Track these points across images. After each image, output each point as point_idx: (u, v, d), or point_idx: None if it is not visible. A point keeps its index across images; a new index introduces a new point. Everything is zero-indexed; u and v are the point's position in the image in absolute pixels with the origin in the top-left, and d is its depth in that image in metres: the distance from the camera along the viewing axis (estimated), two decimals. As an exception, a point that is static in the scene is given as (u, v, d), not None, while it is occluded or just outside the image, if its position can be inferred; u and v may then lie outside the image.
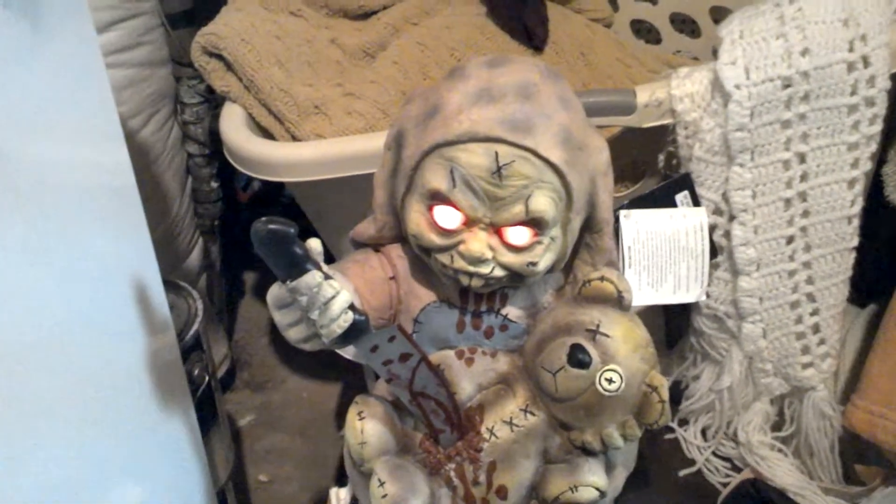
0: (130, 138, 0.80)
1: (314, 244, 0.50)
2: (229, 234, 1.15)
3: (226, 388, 1.09)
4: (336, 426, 1.04)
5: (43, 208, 0.55)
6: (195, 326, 0.79)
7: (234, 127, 0.77)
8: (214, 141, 1.02)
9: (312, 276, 0.48)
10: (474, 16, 0.89)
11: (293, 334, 0.53)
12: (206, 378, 0.80)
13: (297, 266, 0.48)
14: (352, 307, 0.50)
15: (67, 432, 0.59)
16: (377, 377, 0.61)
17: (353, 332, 0.51)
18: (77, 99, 0.58)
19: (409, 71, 0.82)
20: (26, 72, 0.52)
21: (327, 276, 0.49)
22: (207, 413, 0.80)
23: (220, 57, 0.81)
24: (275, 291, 0.52)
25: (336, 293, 0.49)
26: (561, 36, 0.89)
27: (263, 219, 0.47)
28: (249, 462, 1.00)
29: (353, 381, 1.06)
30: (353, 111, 0.78)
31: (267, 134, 0.80)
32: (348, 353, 0.83)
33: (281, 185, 1.26)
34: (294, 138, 0.79)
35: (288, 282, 0.49)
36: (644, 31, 1.08)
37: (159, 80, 0.95)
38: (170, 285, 0.78)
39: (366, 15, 0.91)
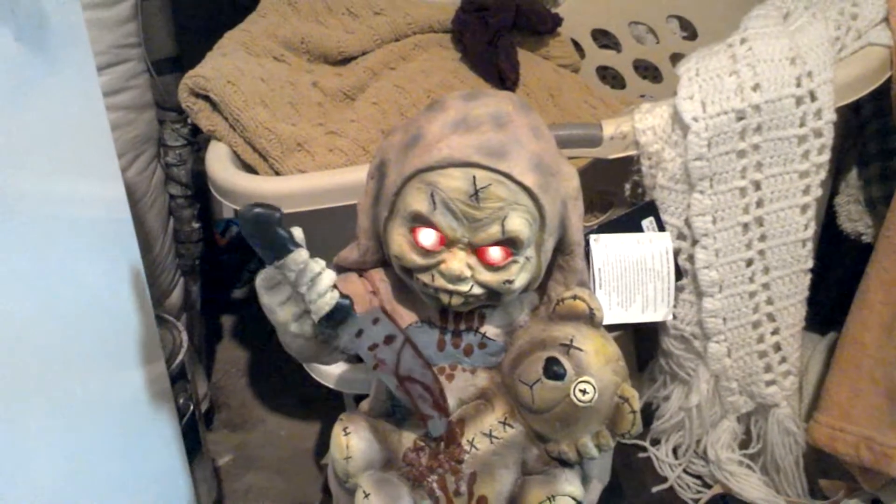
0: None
1: (297, 232, 0.53)
2: (208, 278, 1.17)
3: (205, 429, 1.09)
4: (315, 464, 1.04)
5: (41, 239, 0.57)
6: (180, 357, 0.80)
7: (220, 163, 0.80)
8: (196, 182, 1.04)
9: (299, 253, 0.52)
10: (449, 60, 0.94)
11: (282, 315, 0.55)
12: (191, 407, 0.81)
13: (284, 246, 0.51)
14: (337, 289, 0.54)
15: (61, 459, 0.60)
16: (357, 403, 0.64)
17: (339, 313, 0.54)
18: (78, 132, 0.61)
19: (388, 111, 0.86)
20: (33, 103, 0.54)
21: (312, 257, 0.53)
22: (192, 442, 0.81)
23: (206, 98, 0.84)
24: (263, 273, 0.54)
25: (322, 269, 0.53)
26: (531, 79, 0.94)
27: (250, 203, 0.51)
28: (229, 501, 1.00)
29: (333, 419, 1.08)
30: (334, 148, 0.81)
31: (251, 170, 0.83)
32: (329, 381, 0.86)
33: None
34: (277, 174, 0.81)
35: (276, 261, 0.52)
36: (609, 76, 1.14)
37: (144, 124, 0.98)
38: (156, 318, 0.80)
39: (345, 60, 0.95)
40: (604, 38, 1.11)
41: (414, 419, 0.59)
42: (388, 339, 0.57)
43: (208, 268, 1.16)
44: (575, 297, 0.59)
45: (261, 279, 0.55)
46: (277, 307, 0.55)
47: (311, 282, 0.53)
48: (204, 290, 1.15)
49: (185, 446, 0.78)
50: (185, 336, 0.83)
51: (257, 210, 0.50)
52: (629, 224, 0.72)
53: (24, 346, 0.54)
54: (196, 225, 1.08)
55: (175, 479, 0.75)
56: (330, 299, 0.54)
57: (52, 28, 0.54)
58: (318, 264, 0.53)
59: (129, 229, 0.67)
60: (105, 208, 0.65)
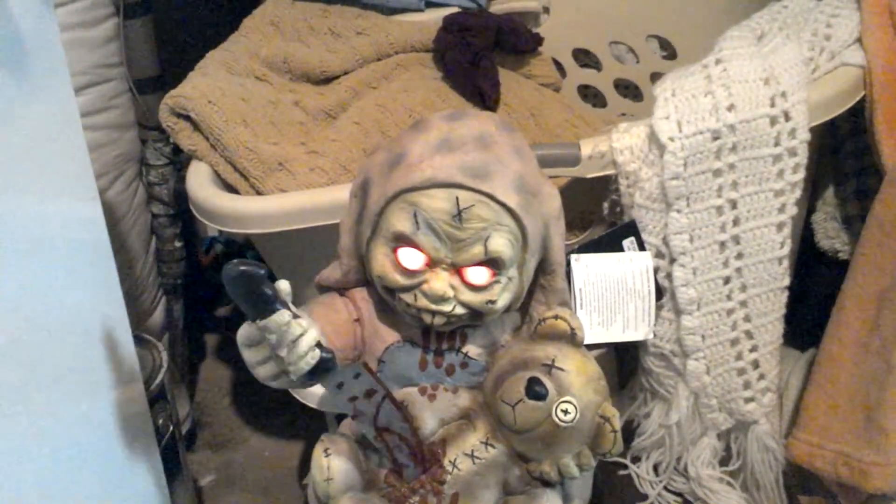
0: (97, 198, 0.82)
1: (283, 285, 0.52)
2: (191, 297, 1.16)
3: (187, 449, 1.08)
4: (299, 485, 1.03)
5: (17, 259, 0.56)
6: (160, 377, 0.80)
7: (201, 183, 0.80)
8: (179, 201, 1.04)
9: (281, 315, 0.51)
10: (430, 79, 0.95)
11: (262, 372, 0.55)
12: (171, 428, 0.81)
13: (267, 305, 0.51)
14: (319, 345, 0.53)
15: (36, 480, 0.59)
16: (339, 423, 0.64)
17: (320, 370, 0.53)
18: (55, 153, 0.60)
19: (369, 130, 0.86)
20: (9, 124, 0.54)
21: (296, 316, 0.52)
22: (172, 463, 0.81)
23: (187, 118, 0.84)
24: (244, 330, 0.54)
25: (304, 331, 0.52)
26: (512, 98, 0.95)
27: (235, 260, 0.50)
28: (211, 522, 0.99)
29: (317, 440, 1.07)
30: (315, 167, 0.81)
31: (232, 190, 0.82)
32: (312, 401, 0.85)
33: (242, 246, 1.29)
34: (258, 194, 0.81)
35: (258, 321, 0.51)
36: (591, 95, 1.15)
37: (126, 143, 0.98)
38: (135, 338, 0.79)
39: (327, 80, 0.95)
40: (585, 58, 1.13)
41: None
42: (369, 393, 0.56)
43: (192, 286, 1.15)
44: (556, 317, 0.59)
45: (241, 335, 0.54)
46: (256, 365, 0.55)
47: (292, 344, 0.52)
48: (187, 309, 1.15)
49: (165, 467, 0.77)
50: (165, 356, 0.82)
51: (243, 267, 0.49)
52: (610, 244, 0.72)
53: None
54: (178, 244, 1.07)
55: (154, 501, 0.75)
56: (311, 360, 0.52)
57: (29, 50, 0.54)
58: (300, 326, 0.52)
59: (106, 250, 0.67)
60: (82, 229, 0.65)
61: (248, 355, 0.55)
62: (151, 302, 1.06)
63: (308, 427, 1.08)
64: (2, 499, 0.55)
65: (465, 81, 0.93)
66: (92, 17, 0.90)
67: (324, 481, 0.58)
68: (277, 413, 1.13)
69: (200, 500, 1.01)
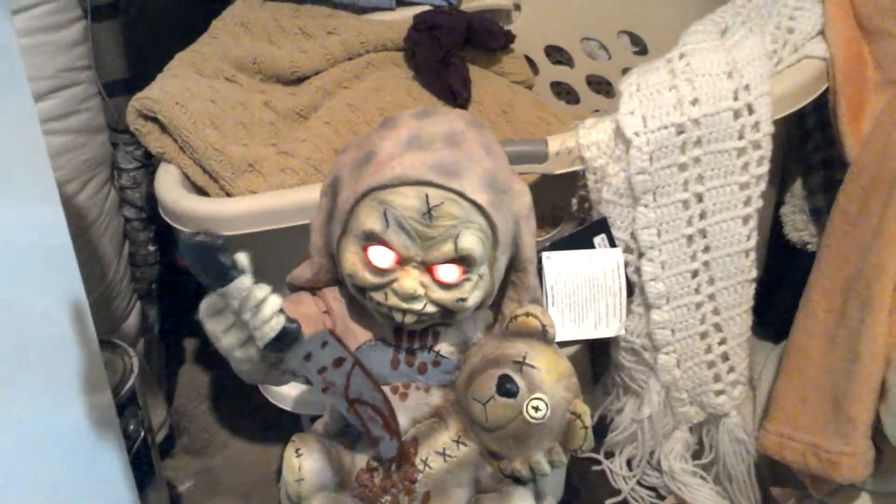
0: (67, 203, 0.80)
1: (241, 258, 0.52)
2: (169, 301, 1.15)
3: (165, 454, 1.07)
4: (278, 489, 1.03)
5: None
6: (130, 382, 0.79)
7: (169, 186, 0.79)
8: (151, 205, 1.03)
9: (242, 281, 0.51)
10: (402, 79, 0.95)
11: (226, 342, 0.54)
12: (142, 433, 0.80)
13: (226, 274, 0.50)
14: (283, 312, 0.53)
15: (2, 489, 0.58)
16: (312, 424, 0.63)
17: (286, 338, 0.53)
18: (13, 159, 0.59)
19: (340, 130, 0.86)
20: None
21: (257, 283, 0.52)
22: (144, 469, 0.80)
23: (155, 120, 0.83)
24: (207, 301, 0.53)
25: (267, 296, 0.52)
26: (484, 96, 0.95)
27: (191, 231, 0.50)
28: (189, 528, 0.99)
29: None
30: (286, 168, 0.81)
31: (202, 193, 0.82)
32: (287, 404, 0.85)
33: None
34: (229, 196, 0.81)
35: (219, 290, 0.51)
36: (564, 92, 1.15)
37: (96, 147, 0.97)
38: (105, 344, 0.78)
39: (298, 80, 0.95)
40: (557, 54, 1.13)
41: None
42: (338, 362, 0.56)
43: (169, 291, 1.15)
44: (528, 314, 0.59)
45: (204, 306, 0.54)
46: (221, 334, 0.54)
47: (256, 308, 0.52)
48: (165, 315, 1.14)
49: (137, 473, 0.76)
50: (135, 361, 0.81)
51: (198, 238, 0.49)
52: (581, 241, 0.73)
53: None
54: (152, 248, 1.06)
55: (125, 507, 0.74)
56: (275, 325, 0.52)
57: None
58: (263, 290, 0.52)
59: (70, 256, 0.66)
60: (44, 235, 0.64)
61: (211, 326, 0.54)
62: (125, 307, 1.05)
63: (287, 432, 1.07)
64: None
65: (435, 80, 0.94)
66: (59, 21, 0.89)
67: (295, 482, 0.58)
68: (256, 418, 1.12)
69: (178, 506, 1.00)
